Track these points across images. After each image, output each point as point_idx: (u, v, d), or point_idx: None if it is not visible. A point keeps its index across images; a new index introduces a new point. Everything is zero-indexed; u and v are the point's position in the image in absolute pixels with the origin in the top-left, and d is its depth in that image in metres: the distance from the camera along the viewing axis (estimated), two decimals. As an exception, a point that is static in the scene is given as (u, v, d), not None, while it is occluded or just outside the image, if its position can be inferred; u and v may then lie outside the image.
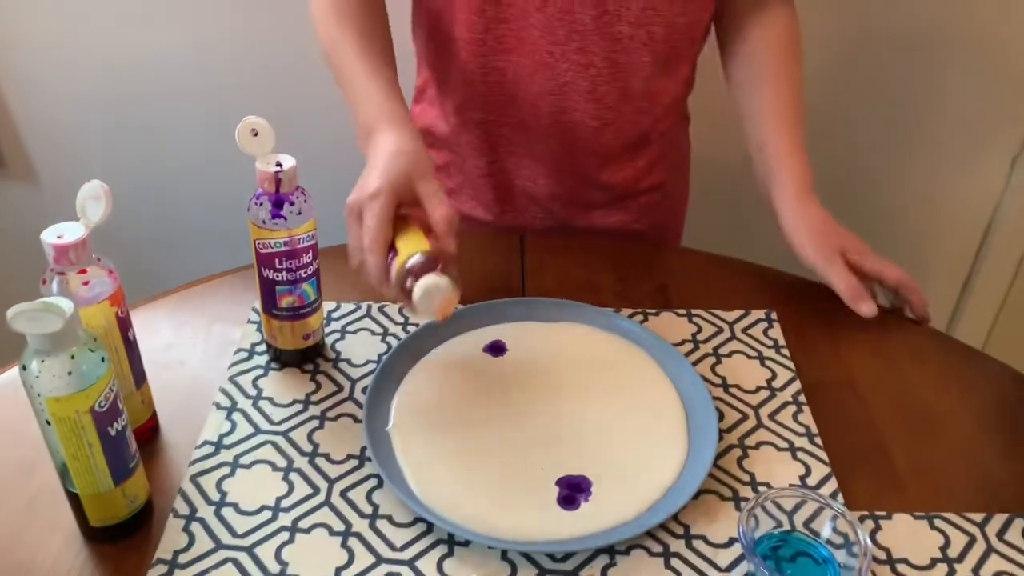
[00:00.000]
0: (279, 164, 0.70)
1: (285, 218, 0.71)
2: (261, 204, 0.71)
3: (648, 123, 0.98)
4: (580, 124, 0.95)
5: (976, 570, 0.64)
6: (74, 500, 0.63)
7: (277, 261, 0.73)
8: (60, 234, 0.62)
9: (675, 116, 1.03)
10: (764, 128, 0.93)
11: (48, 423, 0.58)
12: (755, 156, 0.94)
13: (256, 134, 0.70)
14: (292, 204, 0.72)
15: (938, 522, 0.68)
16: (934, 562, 0.65)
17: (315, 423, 0.75)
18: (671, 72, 0.95)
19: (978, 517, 0.68)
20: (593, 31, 0.88)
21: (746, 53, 0.95)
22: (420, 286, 0.66)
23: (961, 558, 0.65)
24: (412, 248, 0.70)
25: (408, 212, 0.74)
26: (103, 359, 0.58)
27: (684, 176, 1.13)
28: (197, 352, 0.82)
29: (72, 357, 0.56)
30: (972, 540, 0.66)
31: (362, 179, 0.74)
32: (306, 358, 0.81)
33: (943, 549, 0.66)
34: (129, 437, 0.63)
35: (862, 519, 0.68)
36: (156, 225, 1.57)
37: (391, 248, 0.71)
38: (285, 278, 0.74)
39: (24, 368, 0.56)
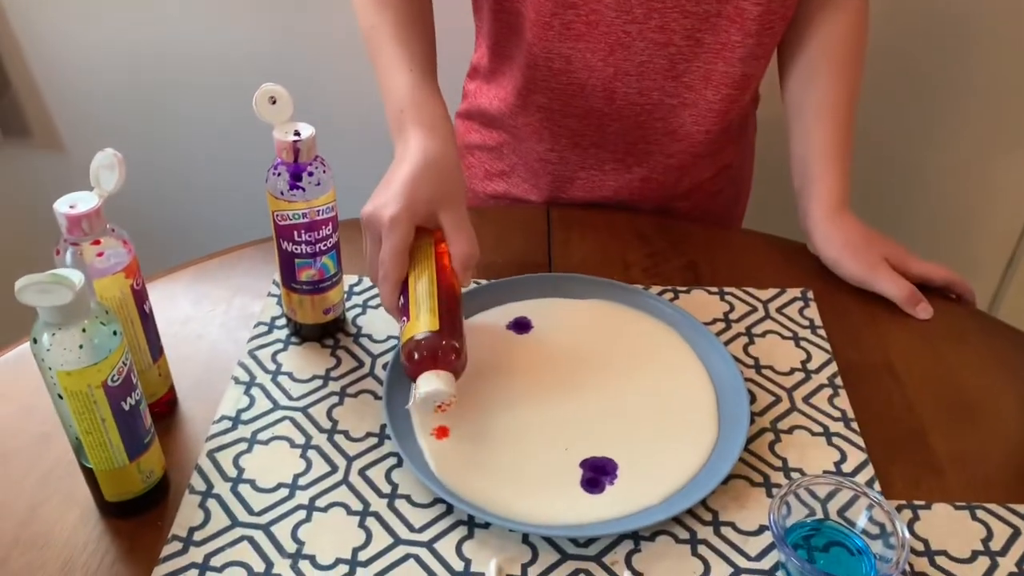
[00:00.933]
0: (297, 133, 0.68)
1: (303, 189, 0.69)
2: (279, 174, 0.69)
3: (734, 111, 0.93)
4: (658, 104, 0.90)
5: (1020, 564, 0.61)
6: (89, 475, 0.62)
7: (296, 233, 0.72)
8: (73, 204, 0.61)
9: (753, 98, 0.99)
10: (807, 138, 0.89)
11: (60, 397, 0.57)
12: (794, 163, 0.90)
13: (274, 102, 0.68)
14: (311, 175, 0.69)
15: (980, 513, 0.65)
16: (975, 555, 0.62)
17: (335, 399, 0.73)
18: (762, 54, 0.89)
19: (1023, 508, 0.65)
20: (674, 7, 0.83)
21: (806, 43, 0.90)
22: (420, 394, 0.64)
23: (1004, 551, 0.62)
24: (420, 315, 0.67)
25: (426, 228, 0.72)
26: (116, 332, 0.57)
27: (750, 161, 1.09)
28: (216, 325, 0.80)
29: (83, 330, 0.55)
30: (1016, 533, 0.64)
31: (382, 189, 0.71)
32: (326, 333, 0.79)
33: (985, 541, 0.63)
34: (144, 412, 0.61)
35: (899, 509, 0.65)
36: (178, 196, 1.56)
37: (405, 280, 0.70)
38: (304, 251, 0.73)
39: (35, 341, 0.55)
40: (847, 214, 0.87)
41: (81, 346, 0.55)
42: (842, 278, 0.85)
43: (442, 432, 0.69)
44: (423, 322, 0.66)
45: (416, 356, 0.65)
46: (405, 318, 0.68)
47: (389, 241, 0.68)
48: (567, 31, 0.86)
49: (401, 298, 0.70)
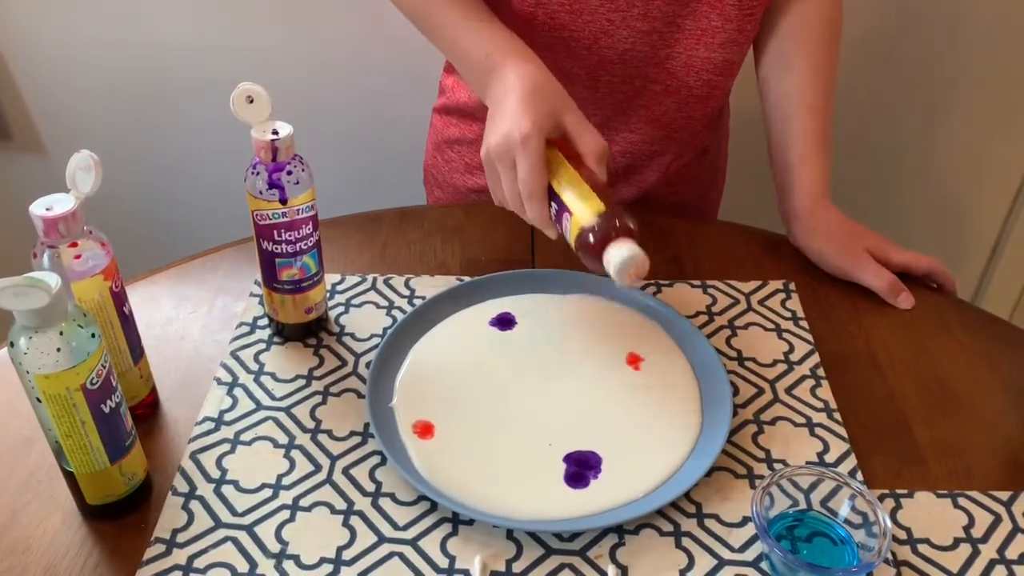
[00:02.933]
0: (275, 132, 0.68)
1: (283, 187, 0.69)
2: (258, 174, 0.69)
3: (716, 96, 0.93)
4: (640, 91, 0.90)
5: (1001, 551, 0.62)
6: (70, 478, 0.62)
7: (276, 233, 0.71)
8: (49, 206, 0.60)
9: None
10: (786, 129, 0.88)
11: (39, 401, 0.56)
12: (772, 154, 0.90)
13: (251, 101, 0.67)
14: (290, 174, 0.69)
15: (962, 501, 0.65)
16: (957, 542, 0.62)
17: (318, 399, 0.73)
18: (743, 40, 0.89)
19: (1004, 495, 0.66)
20: None
21: (778, 30, 0.89)
22: (617, 262, 0.64)
23: (986, 538, 0.63)
24: (582, 204, 0.67)
25: (552, 140, 0.71)
26: (94, 335, 0.56)
27: (725, 147, 1.09)
28: (198, 326, 0.80)
29: (61, 333, 0.55)
30: (998, 519, 0.64)
31: (499, 120, 0.70)
32: (309, 332, 0.79)
33: (967, 529, 0.63)
34: (124, 414, 0.61)
35: (882, 498, 0.65)
36: (158, 198, 1.55)
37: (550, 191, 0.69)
38: (285, 250, 0.72)
39: (12, 345, 0.55)
40: (828, 206, 0.87)
41: (59, 349, 0.55)
42: (825, 270, 0.86)
43: (426, 430, 0.69)
44: (590, 210, 0.66)
45: (597, 235, 0.65)
46: (568, 214, 0.67)
47: (526, 159, 0.68)
48: (551, 21, 0.86)
49: (553, 206, 0.69)
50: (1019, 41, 1.32)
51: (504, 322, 0.79)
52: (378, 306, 0.82)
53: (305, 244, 0.73)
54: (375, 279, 0.85)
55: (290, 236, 0.72)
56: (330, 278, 0.84)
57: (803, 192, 0.87)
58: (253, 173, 0.69)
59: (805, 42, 0.89)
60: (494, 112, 0.72)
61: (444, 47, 0.82)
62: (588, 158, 0.70)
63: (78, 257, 0.62)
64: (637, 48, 0.87)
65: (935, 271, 0.85)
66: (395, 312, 0.81)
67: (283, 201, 0.69)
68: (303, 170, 0.70)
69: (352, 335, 0.79)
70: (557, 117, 0.70)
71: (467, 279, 0.83)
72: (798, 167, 0.87)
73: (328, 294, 0.82)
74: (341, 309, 0.82)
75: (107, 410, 0.59)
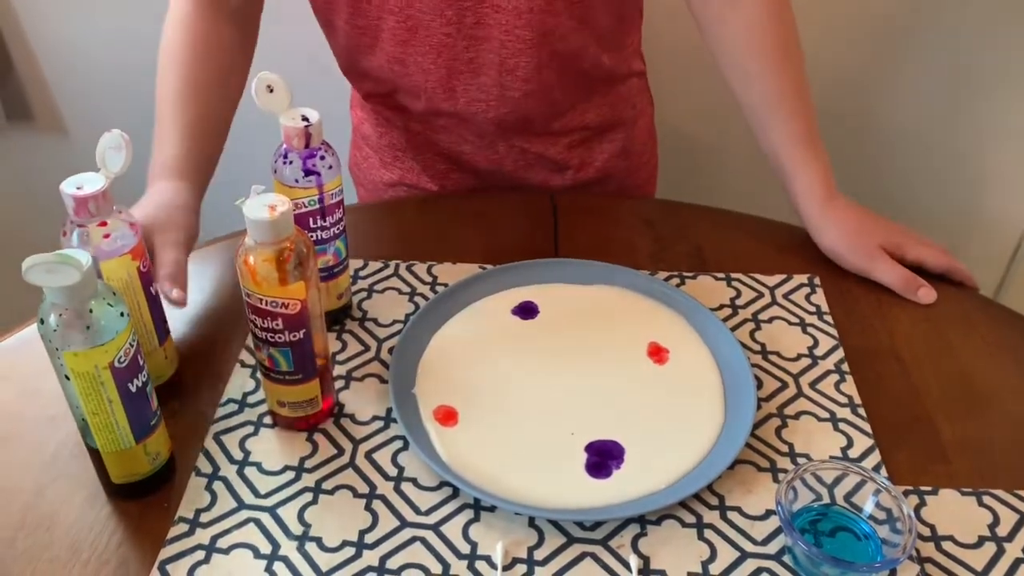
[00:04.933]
0: (305, 118, 0.68)
1: (319, 173, 0.69)
2: (290, 162, 0.69)
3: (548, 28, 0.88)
4: (508, 98, 0.90)
5: (1026, 550, 0.62)
6: (95, 456, 0.62)
7: (311, 220, 0.71)
8: (80, 185, 0.60)
9: (614, 66, 0.97)
10: (768, 136, 0.86)
11: (67, 378, 0.57)
12: (770, 161, 0.88)
13: (271, 90, 0.67)
14: (323, 159, 0.69)
15: (987, 499, 0.65)
16: (982, 540, 0.62)
17: (341, 383, 0.73)
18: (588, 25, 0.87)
19: (1029, 494, 0.65)
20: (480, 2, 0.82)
21: (726, 39, 0.86)
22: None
23: (1011, 537, 0.62)
24: None
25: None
26: (122, 314, 0.57)
27: (644, 134, 1.06)
28: (222, 308, 0.80)
29: (90, 311, 0.55)
30: (1023, 519, 0.63)
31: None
32: (336, 320, 0.79)
33: (992, 527, 0.63)
34: (150, 393, 0.61)
35: (906, 494, 0.65)
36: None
37: None
38: (320, 236, 0.72)
39: (42, 322, 0.55)
40: (836, 202, 0.85)
41: (88, 327, 0.55)
42: (842, 267, 0.85)
43: (448, 416, 0.69)
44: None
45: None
46: None
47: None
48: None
49: None
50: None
51: (526, 310, 0.79)
52: (400, 292, 0.82)
53: (337, 228, 0.73)
54: (398, 265, 0.85)
55: (325, 222, 0.71)
56: (353, 264, 0.84)
57: (806, 197, 0.85)
58: (285, 163, 0.69)
59: (758, 49, 0.85)
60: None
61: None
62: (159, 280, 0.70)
63: (107, 236, 0.62)
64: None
65: (953, 270, 0.84)
66: (417, 298, 0.81)
67: (321, 187, 0.69)
68: (332, 154, 0.70)
69: (375, 320, 0.79)
70: (150, 237, 0.71)
71: (490, 267, 0.83)
72: (794, 174, 0.85)
73: (352, 280, 0.82)
74: (364, 295, 0.82)
75: (134, 389, 0.59)
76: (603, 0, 0.87)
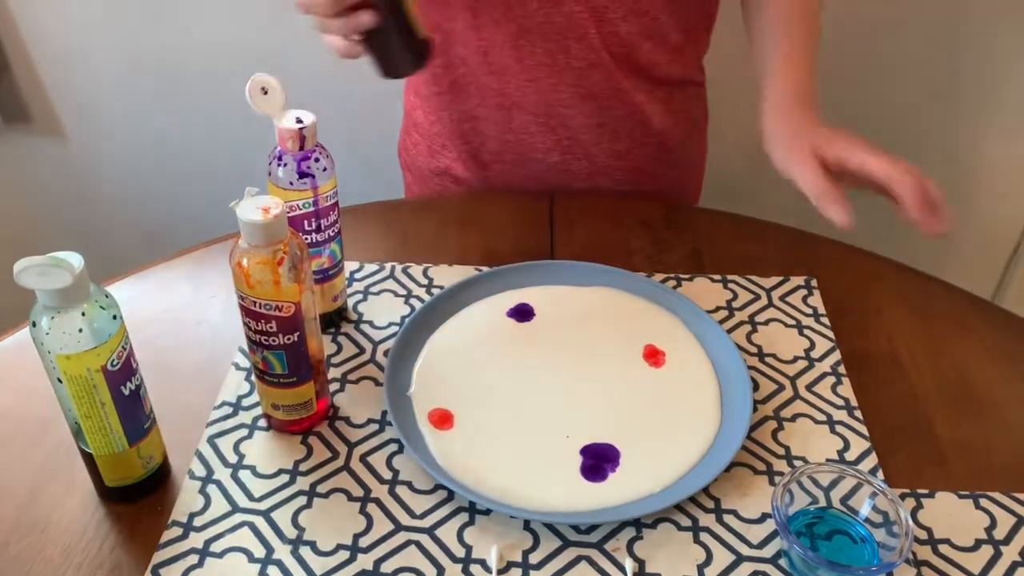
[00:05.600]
0: (299, 120, 0.67)
1: (313, 175, 0.69)
2: (285, 165, 0.69)
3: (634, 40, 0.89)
4: (565, 67, 0.89)
5: None
6: (89, 460, 0.62)
7: (306, 223, 0.71)
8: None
9: (679, 70, 0.96)
10: (767, 51, 0.83)
11: (60, 381, 0.56)
12: (758, 79, 0.84)
13: (266, 92, 0.67)
14: (317, 161, 0.69)
15: (983, 502, 0.65)
16: (979, 543, 0.62)
17: (336, 385, 0.73)
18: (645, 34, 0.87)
19: (1026, 497, 0.65)
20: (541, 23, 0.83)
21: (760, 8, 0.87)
22: None
23: (1008, 540, 0.62)
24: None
25: None
26: (115, 316, 0.56)
27: (696, 143, 1.06)
28: (216, 312, 0.80)
29: (83, 314, 0.55)
30: (1020, 522, 0.63)
31: None
32: (331, 322, 0.78)
33: (988, 530, 0.63)
34: (144, 396, 0.61)
35: (902, 497, 0.65)
36: (178, 182, 1.55)
37: None
38: (314, 239, 0.72)
39: (34, 325, 0.55)
40: (792, 112, 0.77)
41: (81, 329, 0.55)
42: (778, 171, 0.75)
43: (444, 419, 0.69)
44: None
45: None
46: None
47: None
48: None
49: None
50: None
51: (522, 313, 0.79)
52: (396, 294, 0.82)
53: (332, 231, 0.73)
54: (393, 267, 0.85)
55: (319, 224, 0.71)
56: (349, 266, 0.84)
57: (769, 103, 0.79)
58: (279, 165, 0.69)
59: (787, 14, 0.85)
60: None
61: None
62: None
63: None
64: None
65: (891, 177, 0.68)
66: (413, 301, 0.81)
67: (315, 189, 0.69)
68: (327, 156, 0.69)
69: (370, 323, 0.79)
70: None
71: (486, 269, 0.83)
72: (765, 83, 0.81)
73: (347, 282, 0.82)
74: (360, 297, 0.81)
75: (127, 392, 0.59)
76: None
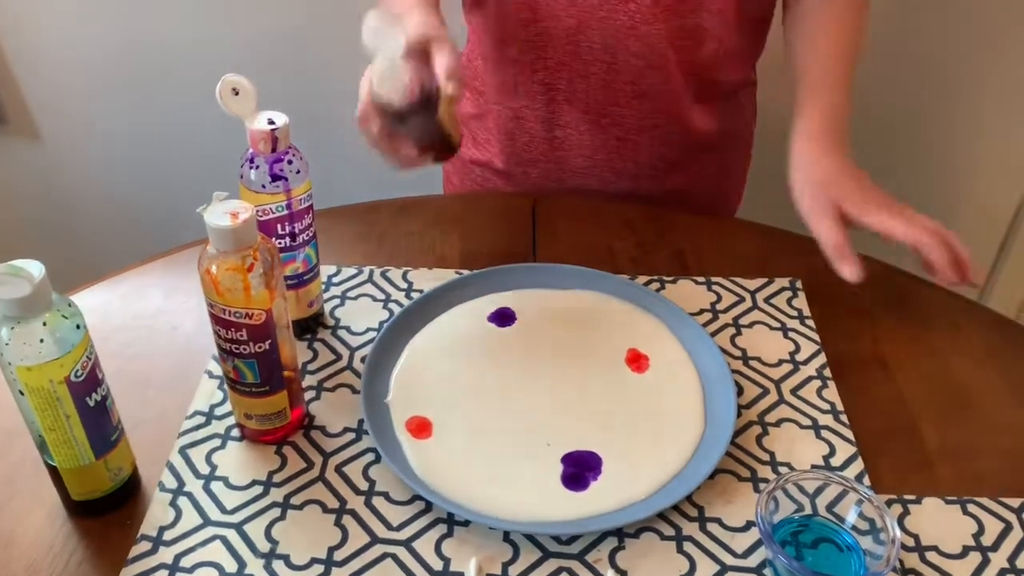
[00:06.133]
0: (271, 122, 0.66)
1: (286, 178, 0.67)
2: (257, 167, 0.67)
3: (708, 74, 0.90)
4: (624, 65, 0.87)
5: (1012, 559, 0.60)
6: (54, 473, 0.60)
7: (279, 227, 0.69)
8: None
9: (736, 73, 0.96)
10: (806, 60, 0.84)
11: (21, 393, 0.55)
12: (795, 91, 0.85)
13: (237, 93, 0.65)
14: (290, 163, 0.67)
15: (971, 507, 0.63)
16: (967, 550, 0.61)
17: (311, 393, 0.71)
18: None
19: (1015, 503, 0.64)
20: None
21: (805, 7, 0.87)
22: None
23: (996, 546, 0.61)
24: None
25: None
26: (79, 326, 0.55)
27: (742, 147, 1.06)
28: (189, 318, 0.78)
29: (44, 324, 0.53)
30: (1008, 527, 0.62)
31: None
32: (307, 328, 0.77)
33: (976, 536, 0.62)
34: (111, 408, 0.59)
35: (889, 503, 0.64)
36: (151, 187, 1.53)
37: None
38: (287, 243, 0.70)
39: (-7, 335, 0.53)
40: (833, 143, 0.79)
41: (42, 340, 0.53)
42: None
43: (422, 427, 0.68)
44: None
45: None
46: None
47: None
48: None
49: None
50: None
51: (503, 317, 0.78)
52: (375, 299, 0.80)
53: (307, 235, 0.71)
54: (372, 271, 0.83)
55: (293, 228, 0.69)
56: (326, 270, 0.82)
57: (808, 124, 0.80)
58: (251, 167, 0.67)
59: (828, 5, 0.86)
60: None
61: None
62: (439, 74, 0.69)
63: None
64: (613, 18, 0.85)
65: (921, 243, 0.73)
66: (392, 305, 0.79)
67: (288, 192, 0.67)
68: (301, 158, 0.68)
69: (347, 328, 0.77)
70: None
71: (466, 272, 0.81)
72: (804, 100, 0.82)
73: (324, 286, 0.80)
74: (337, 302, 0.80)
75: (92, 404, 0.57)
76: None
